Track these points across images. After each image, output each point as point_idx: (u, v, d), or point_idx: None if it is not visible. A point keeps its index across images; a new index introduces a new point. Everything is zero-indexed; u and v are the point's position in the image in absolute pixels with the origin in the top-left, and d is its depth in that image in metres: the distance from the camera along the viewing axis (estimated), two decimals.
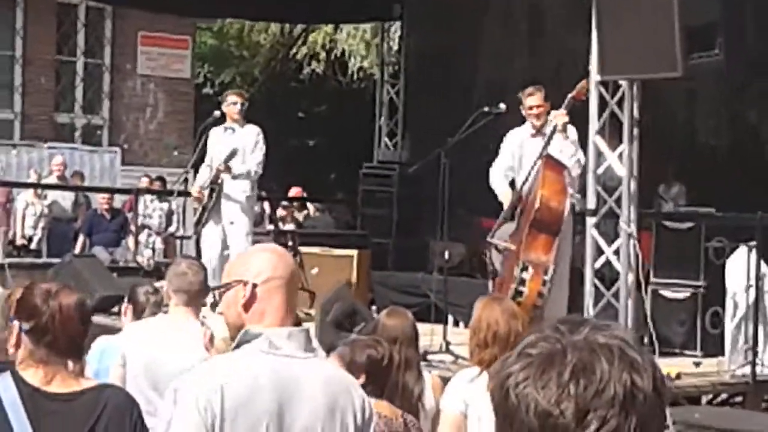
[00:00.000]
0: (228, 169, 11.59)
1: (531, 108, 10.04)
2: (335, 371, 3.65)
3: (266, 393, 3.35)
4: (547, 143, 9.82)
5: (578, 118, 10.18)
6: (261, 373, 3.37)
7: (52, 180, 17.66)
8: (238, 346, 3.47)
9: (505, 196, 10.12)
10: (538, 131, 10.05)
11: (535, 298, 9.47)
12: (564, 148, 9.81)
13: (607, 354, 1.65)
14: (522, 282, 9.54)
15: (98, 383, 3.89)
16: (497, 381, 1.70)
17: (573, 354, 1.65)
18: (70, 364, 3.73)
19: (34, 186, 17.28)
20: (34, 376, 3.68)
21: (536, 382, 1.65)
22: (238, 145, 11.66)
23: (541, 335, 1.70)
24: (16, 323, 3.76)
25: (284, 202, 18.70)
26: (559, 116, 9.78)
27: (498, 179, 10.25)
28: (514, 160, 10.24)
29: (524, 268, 9.57)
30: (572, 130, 9.86)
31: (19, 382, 3.67)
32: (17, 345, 3.74)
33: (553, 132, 9.80)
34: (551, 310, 9.47)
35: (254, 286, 3.51)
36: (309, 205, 19.04)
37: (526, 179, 9.91)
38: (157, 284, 8.76)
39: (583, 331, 1.68)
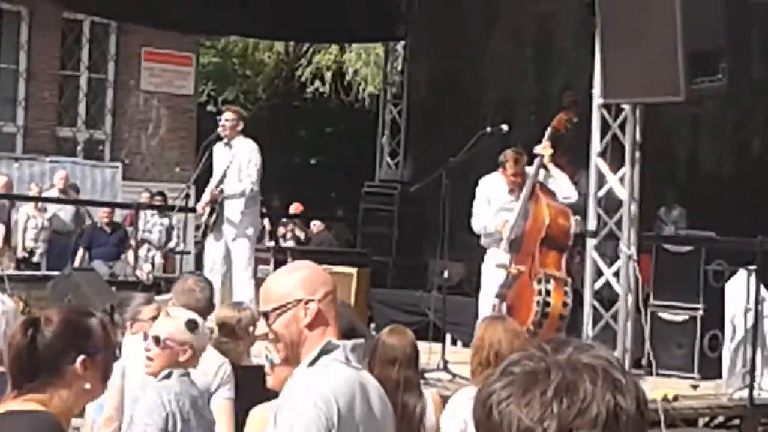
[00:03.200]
0: (221, 192, 11.62)
1: (514, 175, 10.09)
2: (375, 380, 3.75)
3: (359, 402, 3.50)
4: (536, 173, 9.91)
5: (579, 140, 10.22)
6: (353, 383, 3.51)
7: (53, 194, 17.68)
8: (318, 357, 3.55)
9: (491, 222, 10.21)
10: (513, 191, 10.15)
11: (560, 308, 9.53)
12: (547, 177, 9.96)
13: (591, 374, 1.64)
14: (547, 293, 9.58)
15: (16, 409, 3.58)
16: (479, 398, 1.69)
17: (557, 373, 1.64)
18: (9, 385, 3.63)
19: (35, 199, 17.29)
20: None
21: (519, 399, 1.63)
22: (233, 159, 11.67)
23: (525, 354, 1.69)
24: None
25: (284, 219, 18.73)
26: (545, 148, 9.87)
27: (479, 218, 10.34)
28: (489, 206, 10.33)
29: (546, 280, 9.62)
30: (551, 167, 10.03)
31: None
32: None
33: (540, 164, 9.92)
34: None
35: (318, 302, 3.61)
36: (315, 222, 19.07)
37: (521, 209, 9.97)
38: (157, 299, 8.79)
39: (566, 351, 1.67)
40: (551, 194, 9.92)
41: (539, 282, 9.63)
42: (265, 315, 3.68)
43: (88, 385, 3.56)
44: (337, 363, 3.53)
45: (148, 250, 17.00)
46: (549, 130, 9.99)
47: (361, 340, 3.68)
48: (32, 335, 3.60)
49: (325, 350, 3.55)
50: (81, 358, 3.54)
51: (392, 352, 6.01)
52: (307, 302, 3.60)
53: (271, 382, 3.69)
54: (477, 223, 10.35)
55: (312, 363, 3.55)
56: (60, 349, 3.55)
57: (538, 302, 9.58)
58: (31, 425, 3.49)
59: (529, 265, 9.81)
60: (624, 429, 1.63)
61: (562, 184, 9.91)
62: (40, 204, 17.23)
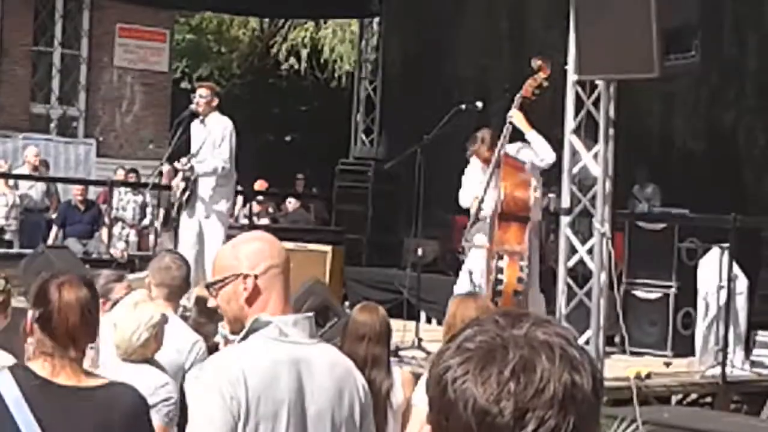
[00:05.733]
0: (191, 169, 11.57)
1: (485, 160, 10.07)
2: (338, 355, 3.67)
3: (284, 379, 3.40)
4: (503, 142, 9.89)
5: (554, 117, 10.21)
6: (277, 359, 3.41)
7: (25, 170, 17.57)
8: (247, 335, 3.48)
9: (471, 200, 10.21)
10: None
11: (514, 284, 9.52)
12: (521, 148, 9.95)
13: (548, 352, 1.61)
14: (500, 270, 9.60)
15: (109, 380, 3.85)
16: (435, 373, 1.65)
17: (515, 351, 1.61)
18: (72, 355, 3.72)
19: (5, 176, 17.17)
20: (42, 368, 3.69)
21: (476, 378, 1.60)
22: (207, 137, 11.63)
23: (480, 328, 1.65)
24: (30, 311, 3.80)
25: (259, 197, 18.68)
26: (515, 114, 9.87)
27: (462, 192, 10.33)
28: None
29: (500, 257, 9.63)
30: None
31: (25, 374, 3.68)
32: (31, 332, 3.77)
33: (510, 130, 9.90)
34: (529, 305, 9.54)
35: (255, 278, 3.51)
36: (290, 200, 19.04)
37: (488, 183, 9.95)
38: (131, 276, 8.75)
39: (523, 327, 1.64)
40: (515, 166, 9.89)
41: (494, 259, 9.65)
42: (208, 288, 3.65)
43: None
44: (266, 339, 3.44)
45: (122, 227, 16.94)
46: (518, 97, 9.98)
47: (307, 315, 3.57)
48: (93, 294, 3.76)
49: (253, 328, 3.46)
50: None
51: (362, 329, 6.02)
52: (245, 277, 3.51)
53: None
54: (460, 198, 10.34)
55: (241, 341, 3.49)
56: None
57: (491, 280, 9.61)
58: (128, 393, 3.79)
59: (491, 241, 9.83)
60: (579, 407, 1.60)
61: (537, 146, 9.89)
62: (10, 181, 17.12)
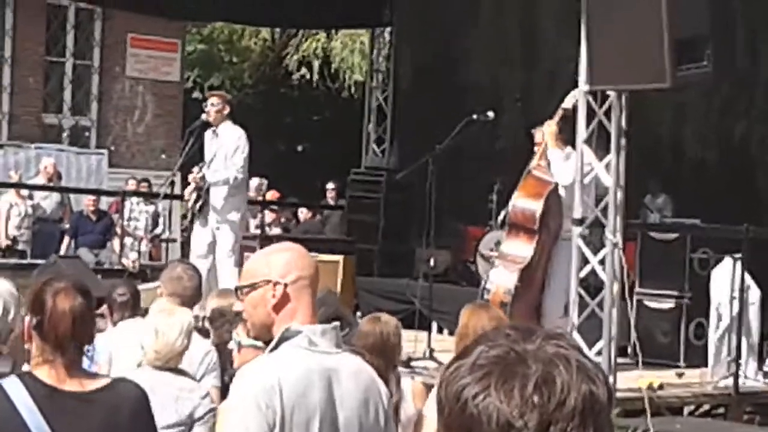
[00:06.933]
0: (203, 179, 11.57)
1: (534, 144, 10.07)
2: (362, 364, 3.72)
3: (316, 388, 3.45)
4: (538, 157, 9.88)
5: (566, 127, 10.20)
6: (309, 369, 3.46)
7: (39, 181, 17.61)
8: (278, 345, 3.52)
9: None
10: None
11: (501, 294, 9.49)
12: (557, 164, 9.89)
13: (565, 364, 1.64)
14: (490, 280, 9.62)
15: (110, 379, 3.92)
16: (451, 392, 1.65)
17: (535, 365, 1.63)
18: (72, 360, 3.77)
19: (22, 186, 17.22)
20: (48, 375, 3.72)
21: (498, 392, 1.61)
22: (219, 147, 11.63)
23: (493, 343, 1.67)
24: (27, 317, 3.84)
25: (273, 207, 18.70)
26: (548, 125, 9.86)
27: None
28: None
29: (493, 266, 9.65)
30: (568, 149, 9.94)
31: (33, 381, 3.70)
32: (28, 339, 3.80)
33: (545, 148, 9.89)
34: (549, 321, 9.52)
35: (285, 286, 3.55)
36: (302, 209, 19.06)
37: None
38: (142, 286, 8.76)
39: (536, 341, 1.66)
40: (540, 181, 9.87)
41: (491, 267, 9.66)
42: (237, 291, 3.70)
43: None
44: (297, 349, 3.48)
45: (134, 238, 16.96)
46: (557, 115, 9.94)
47: (335, 324, 3.63)
48: (86, 302, 3.79)
49: (284, 337, 3.51)
50: None
51: (364, 340, 6.00)
52: (275, 284, 3.56)
53: (236, 364, 3.68)
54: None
55: (273, 350, 3.53)
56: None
57: (481, 288, 9.62)
58: (130, 389, 3.83)
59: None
60: (597, 418, 1.63)
61: (555, 167, 9.88)
62: (22, 191, 17.16)
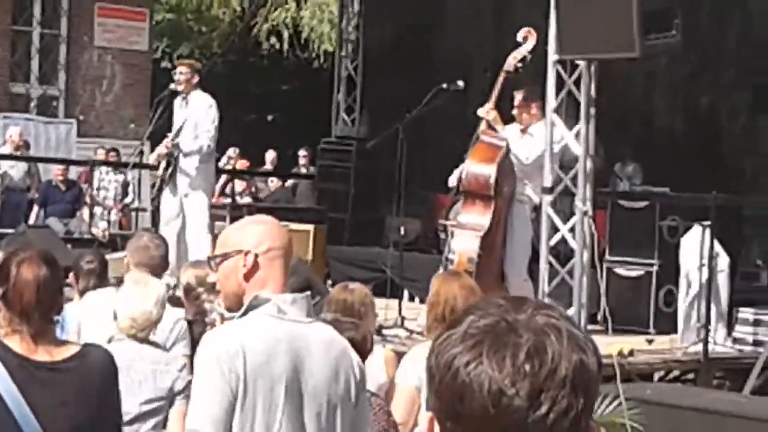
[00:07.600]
0: (176, 146, 11.53)
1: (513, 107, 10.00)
2: (334, 334, 3.72)
3: (282, 356, 3.47)
4: (485, 124, 9.84)
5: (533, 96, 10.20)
6: (276, 337, 3.48)
7: (6, 150, 17.50)
8: (246, 312, 3.55)
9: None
10: (523, 130, 10.01)
11: (465, 263, 9.48)
12: (514, 141, 9.85)
13: (557, 334, 1.65)
14: (451, 249, 9.62)
15: (80, 347, 3.93)
16: (442, 361, 1.67)
17: (527, 334, 1.64)
18: (42, 329, 3.77)
19: None
20: (19, 345, 3.73)
21: (490, 360, 1.63)
22: (189, 115, 11.60)
23: (483, 312, 1.68)
24: None
25: (245, 176, 18.67)
26: (487, 112, 9.78)
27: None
28: None
29: (452, 235, 9.65)
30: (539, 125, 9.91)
31: (4, 351, 3.71)
32: None
33: (495, 120, 9.84)
34: (512, 284, 9.54)
35: (256, 255, 3.59)
36: (272, 179, 19.05)
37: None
38: (112, 255, 8.74)
39: (527, 311, 1.68)
40: (491, 147, 9.80)
41: (449, 237, 9.66)
42: (209, 261, 3.74)
43: None
44: (264, 316, 3.51)
45: (104, 207, 16.90)
46: (498, 82, 9.90)
47: (306, 293, 3.66)
48: (51, 271, 3.79)
49: (252, 305, 3.54)
50: None
51: (334, 307, 6.00)
52: (246, 253, 3.60)
53: None
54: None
55: (241, 317, 3.57)
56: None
57: (443, 258, 9.61)
58: (100, 354, 3.87)
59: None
60: (588, 386, 1.65)
61: (512, 145, 9.82)
62: None
